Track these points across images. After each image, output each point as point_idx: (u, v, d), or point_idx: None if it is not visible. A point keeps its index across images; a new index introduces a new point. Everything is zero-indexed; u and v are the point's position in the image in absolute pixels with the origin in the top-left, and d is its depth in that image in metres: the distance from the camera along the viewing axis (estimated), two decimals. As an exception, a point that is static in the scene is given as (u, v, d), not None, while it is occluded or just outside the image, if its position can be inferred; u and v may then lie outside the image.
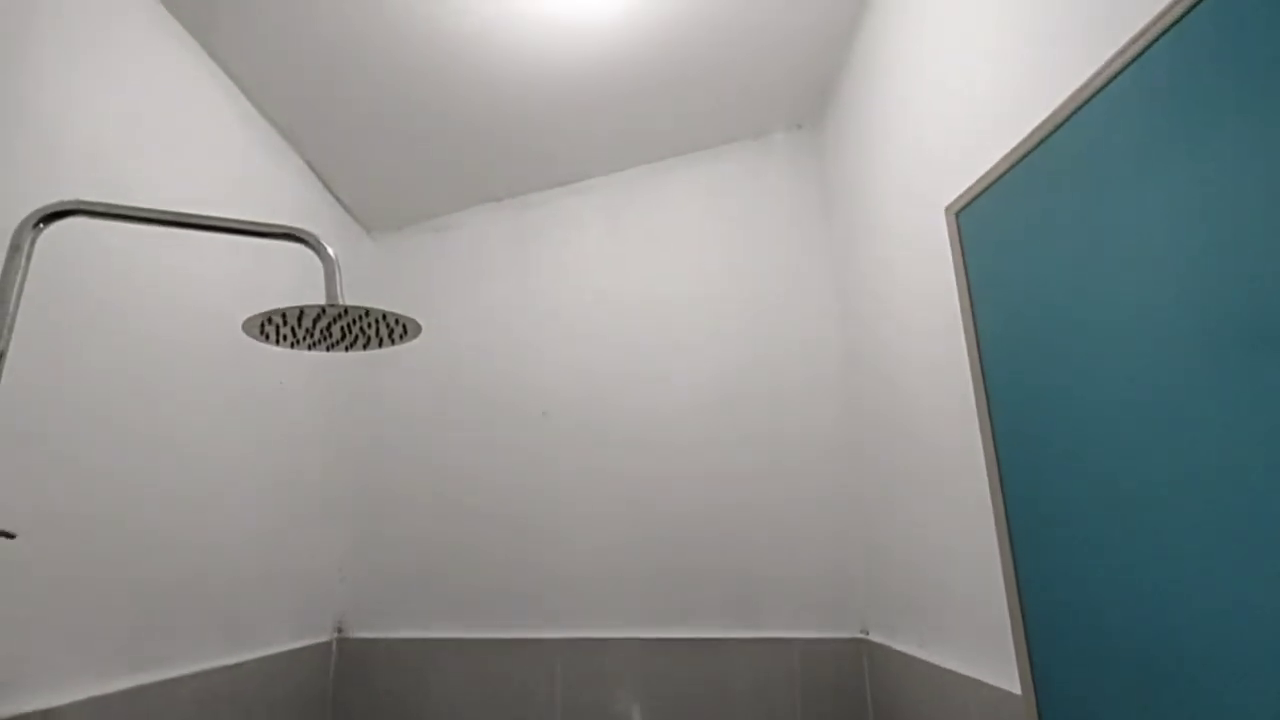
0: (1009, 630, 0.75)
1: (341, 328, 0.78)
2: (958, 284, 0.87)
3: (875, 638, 1.23)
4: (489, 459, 1.50)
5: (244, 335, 1.22)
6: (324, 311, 0.72)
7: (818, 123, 1.56)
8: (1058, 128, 0.68)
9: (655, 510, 1.39)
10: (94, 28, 0.96)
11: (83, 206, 0.77)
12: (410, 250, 1.72)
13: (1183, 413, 0.53)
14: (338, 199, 1.61)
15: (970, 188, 0.86)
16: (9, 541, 0.74)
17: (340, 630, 1.46)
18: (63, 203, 0.77)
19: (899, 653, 1.10)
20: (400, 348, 1.61)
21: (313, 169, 1.52)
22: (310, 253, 1.29)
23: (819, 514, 1.34)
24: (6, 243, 0.79)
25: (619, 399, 1.47)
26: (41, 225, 0.76)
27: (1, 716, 0.76)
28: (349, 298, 1.21)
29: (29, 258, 0.75)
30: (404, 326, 0.77)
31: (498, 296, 1.62)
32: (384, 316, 0.73)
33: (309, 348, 0.84)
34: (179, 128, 1.12)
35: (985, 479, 0.81)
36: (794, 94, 1.48)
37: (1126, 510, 0.59)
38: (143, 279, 1.02)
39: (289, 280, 1.34)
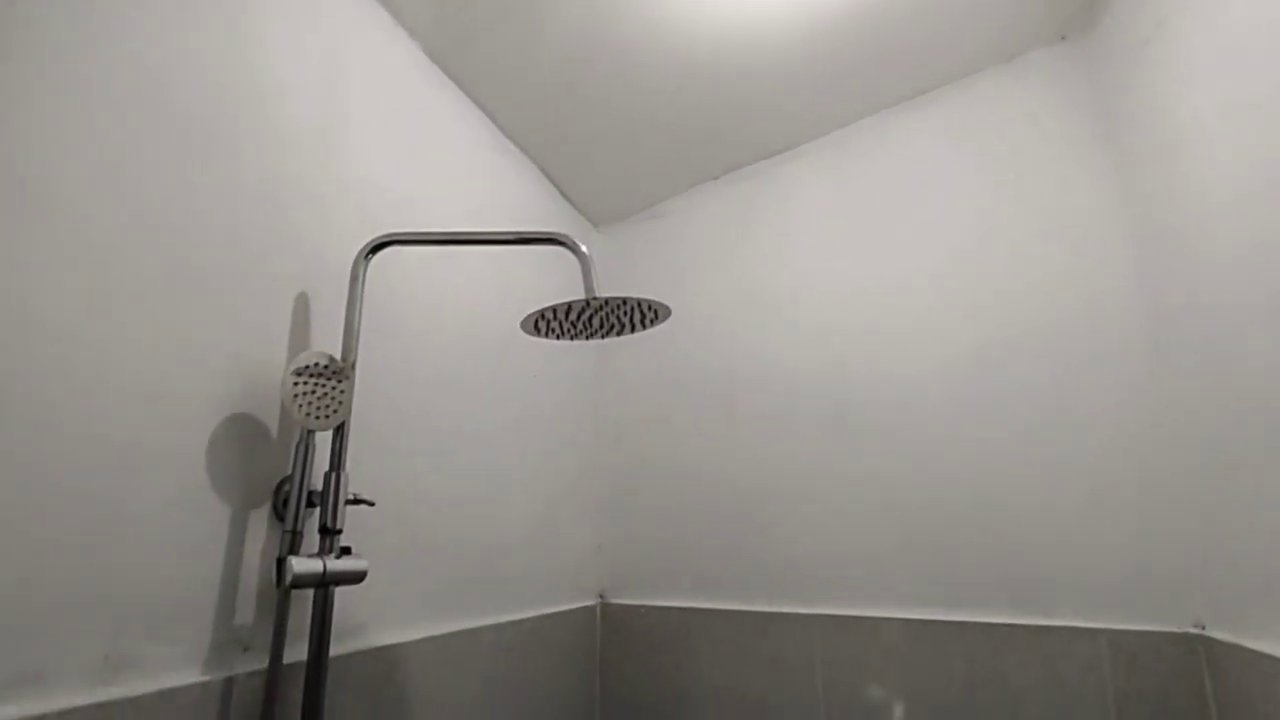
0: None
1: (600, 317, 0.89)
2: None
3: (1217, 634, 1.06)
4: (731, 441, 1.58)
5: (504, 334, 1.43)
6: (588, 304, 0.83)
7: (1086, 30, 1.35)
8: None
9: (915, 490, 1.35)
10: (392, 96, 1.20)
11: (395, 238, 0.97)
12: (635, 238, 1.86)
13: None
14: (568, 199, 1.80)
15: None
16: (370, 508, 0.97)
17: (602, 596, 1.65)
18: (381, 236, 0.98)
19: (1257, 653, 0.94)
20: (638, 340, 1.76)
21: (547, 175, 1.71)
22: (546, 253, 1.46)
23: (1125, 491, 1.17)
24: (345, 273, 1.03)
25: (865, 375, 1.44)
26: (369, 256, 0.97)
27: (359, 648, 0.99)
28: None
29: (363, 283, 0.97)
30: (655, 311, 0.86)
31: (723, 276, 1.69)
32: (638, 304, 0.83)
33: (570, 338, 0.97)
34: (446, 160, 1.35)
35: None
36: (1052, -2, 1.29)
37: None
38: (426, 292, 1.24)
39: (531, 280, 1.54)
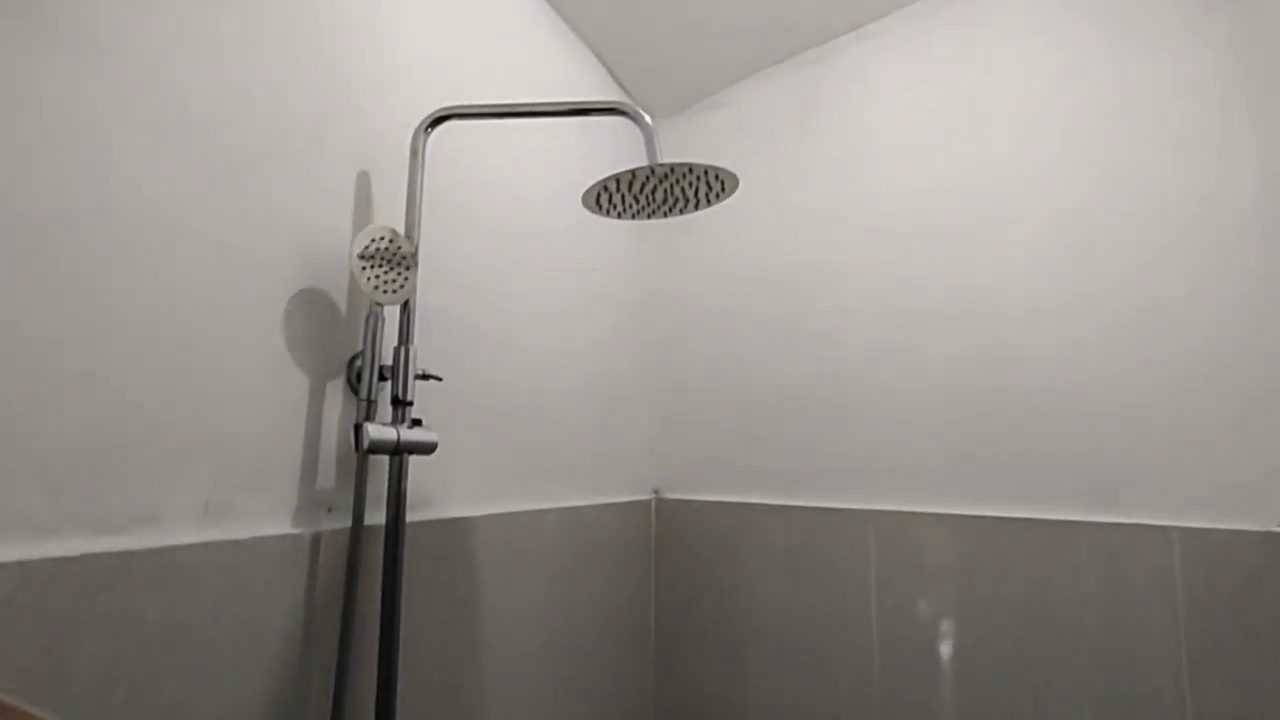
0: None
1: (664, 190, 0.87)
2: None
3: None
4: (793, 339, 1.56)
5: (562, 222, 1.43)
6: (652, 172, 0.81)
7: None
8: None
9: (984, 388, 1.31)
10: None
11: (454, 111, 0.96)
12: (693, 130, 1.80)
13: None
14: (624, 88, 1.74)
15: None
16: (438, 385, 1.01)
17: (657, 492, 1.69)
18: (439, 110, 0.97)
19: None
20: (696, 235, 1.73)
21: (603, 62, 1.65)
22: (603, 141, 1.42)
23: (1217, 388, 1.11)
24: (405, 150, 1.03)
25: (939, 273, 1.39)
26: (428, 130, 0.97)
27: (432, 518, 1.05)
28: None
29: (423, 158, 0.97)
30: (721, 182, 0.84)
31: (785, 169, 1.63)
32: (705, 173, 0.81)
33: (633, 217, 0.96)
34: (502, 45, 1.31)
35: None
36: None
37: None
38: (484, 176, 1.23)
39: (591, 168, 1.52)
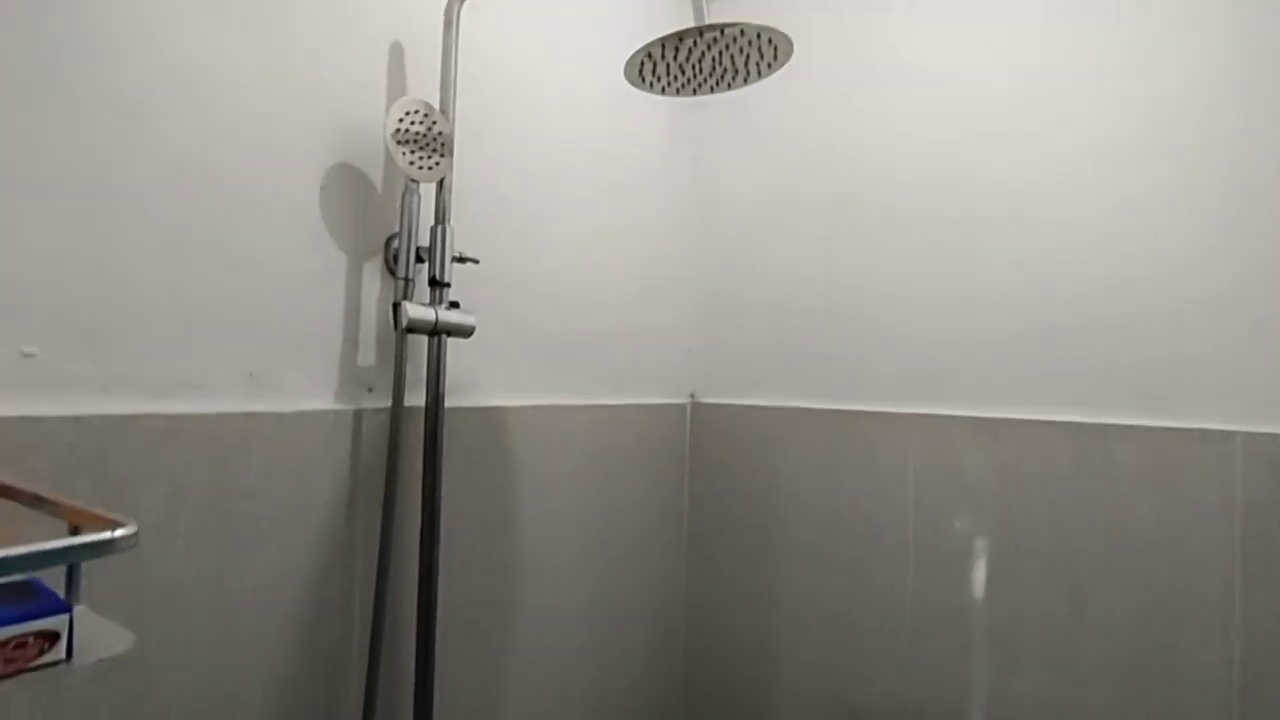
0: None
1: (711, 58, 0.82)
2: None
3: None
4: (839, 237, 1.49)
5: (602, 104, 1.36)
6: (700, 35, 0.76)
7: None
8: None
9: (1040, 287, 1.25)
10: None
11: (488, -27, 0.90)
12: (737, 4, 1.68)
13: None
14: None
15: None
16: (475, 267, 1.00)
17: (693, 396, 1.69)
18: (473, -26, 0.91)
19: None
20: (739, 123, 1.65)
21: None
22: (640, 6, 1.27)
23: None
24: (438, 23, 0.98)
25: (998, 166, 1.30)
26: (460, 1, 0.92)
27: (471, 404, 1.05)
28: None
29: (457, 29, 0.92)
30: (775, 48, 0.78)
31: (836, 49, 1.52)
32: (758, 35, 0.75)
33: (676, 92, 0.91)
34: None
35: None
36: None
37: None
38: (521, 53, 1.17)
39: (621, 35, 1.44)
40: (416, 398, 0.95)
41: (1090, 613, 1.17)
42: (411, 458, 0.93)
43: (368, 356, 0.91)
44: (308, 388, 0.83)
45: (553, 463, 1.23)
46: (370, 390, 0.91)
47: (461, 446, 1.03)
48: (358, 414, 0.87)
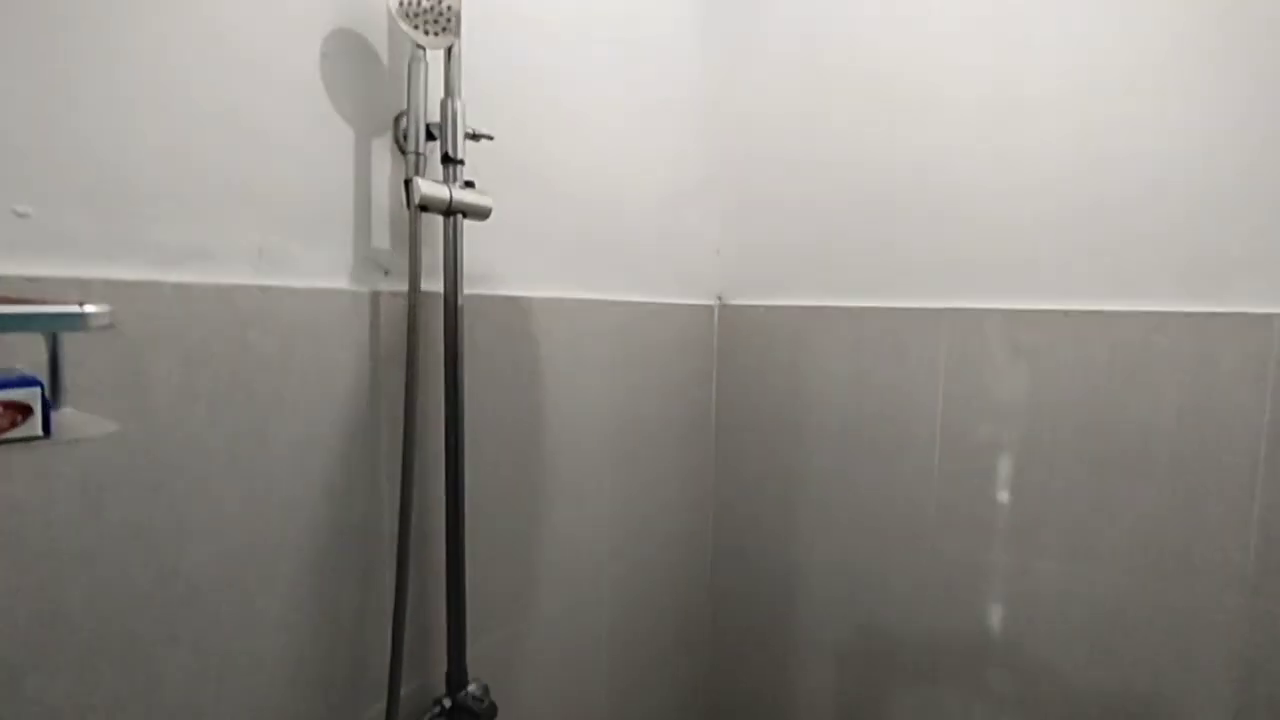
0: None
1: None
2: None
3: None
4: (873, 127, 1.40)
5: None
6: None
7: None
8: None
9: (1078, 172, 1.18)
10: None
11: None
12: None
13: None
14: None
15: None
16: (490, 144, 0.95)
17: (720, 298, 1.65)
18: None
19: None
20: (765, 11, 1.53)
21: None
22: None
23: None
24: None
25: (1039, 50, 1.20)
26: None
27: (492, 293, 1.03)
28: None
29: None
30: None
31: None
32: None
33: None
34: None
35: None
36: None
37: None
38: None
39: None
40: (434, 284, 0.92)
41: (1113, 502, 1.17)
42: (432, 343, 0.92)
43: (382, 239, 0.88)
44: (322, 267, 0.81)
45: (578, 358, 1.21)
46: (387, 273, 0.89)
47: (483, 335, 1.01)
48: (375, 296, 0.86)
